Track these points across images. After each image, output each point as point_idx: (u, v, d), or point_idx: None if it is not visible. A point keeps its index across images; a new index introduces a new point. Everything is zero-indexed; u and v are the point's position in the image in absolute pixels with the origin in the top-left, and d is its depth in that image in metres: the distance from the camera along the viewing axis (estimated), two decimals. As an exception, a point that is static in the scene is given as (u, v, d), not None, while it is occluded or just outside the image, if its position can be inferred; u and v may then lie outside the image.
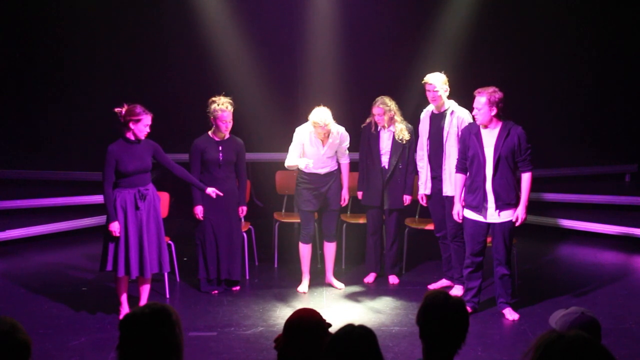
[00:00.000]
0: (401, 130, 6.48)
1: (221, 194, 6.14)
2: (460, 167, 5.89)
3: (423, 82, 6.24)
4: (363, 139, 6.63)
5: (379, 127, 6.51)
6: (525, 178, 5.71)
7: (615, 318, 5.81)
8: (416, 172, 6.58)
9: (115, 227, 5.63)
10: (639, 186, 9.03)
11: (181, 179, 6.03)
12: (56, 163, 9.16)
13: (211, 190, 6.09)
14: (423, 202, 6.58)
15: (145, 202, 5.71)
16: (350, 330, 2.60)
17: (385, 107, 6.42)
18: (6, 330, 2.44)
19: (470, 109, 5.95)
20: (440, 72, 6.29)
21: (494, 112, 5.62)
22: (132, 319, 2.55)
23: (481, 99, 5.63)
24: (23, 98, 9.45)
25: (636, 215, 8.19)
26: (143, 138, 5.73)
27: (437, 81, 6.18)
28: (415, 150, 6.54)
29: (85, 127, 8.99)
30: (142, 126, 5.68)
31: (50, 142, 9.42)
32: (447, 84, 6.23)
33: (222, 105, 6.20)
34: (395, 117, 6.49)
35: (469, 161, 5.77)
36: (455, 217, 5.93)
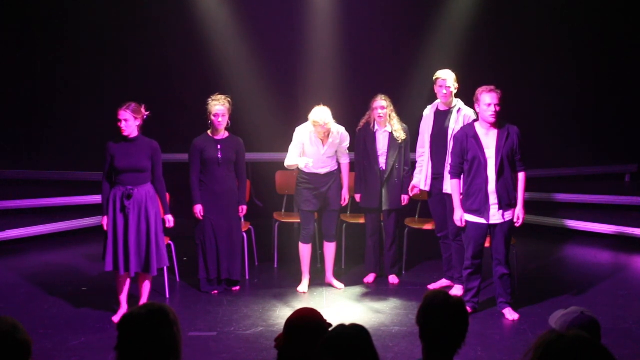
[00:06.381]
0: (398, 129, 6.48)
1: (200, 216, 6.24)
2: (456, 172, 5.80)
3: (435, 77, 6.23)
4: (358, 141, 6.60)
5: (376, 127, 6.49)
6: (522, 177, 5.71)
7: (615, 318, 5.80)
8: (413, 169, 6.56)
9: (104, 222, 5.69)
10: (639, 186, 9.03)
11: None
12: (56, 163, 9.16)
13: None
14: (412, 192, 6.52)
15: (130, 202, 5.64)
16: (341, 331, 2.61)
17: (387, 101, 6.43)
18: (7, 330, 2.45)
19: (471, 107, 5.94)
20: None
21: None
22: (129, 319, 2.55)
23: (498, 96, 5.59)
24: (23, 98, 9.45)
25: (636, 215, 8.19)
26: (124, 134, 5.66)
27: (449, 77, 6.19)
28: (410, 150, 6.53)
29: (85, 127, 8.99)
30: (120, 122, 5.65)
31: (50, 142, 9.42)
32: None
33: (216, 100, 6.21)
34: (392, 115, 6.50)
35: (469, 164, 5.68)
36: (458, 223, 5.82)
